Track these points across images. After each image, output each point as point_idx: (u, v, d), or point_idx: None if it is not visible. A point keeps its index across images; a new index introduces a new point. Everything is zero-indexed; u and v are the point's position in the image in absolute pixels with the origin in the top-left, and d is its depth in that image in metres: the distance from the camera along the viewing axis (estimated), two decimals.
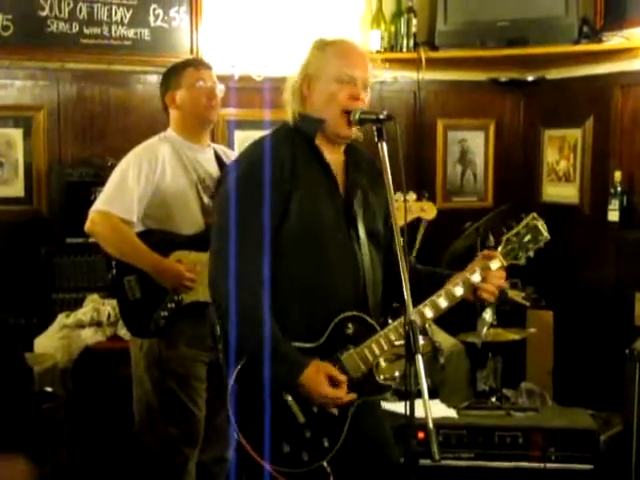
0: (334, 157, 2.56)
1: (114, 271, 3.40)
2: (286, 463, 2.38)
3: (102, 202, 3.38)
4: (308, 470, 2.41)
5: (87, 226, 3.38)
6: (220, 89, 3.56)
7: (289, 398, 2.40)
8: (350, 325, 2.47)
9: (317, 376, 2.37)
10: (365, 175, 2.62)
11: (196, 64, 3.59)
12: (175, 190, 3.42)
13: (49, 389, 3.60)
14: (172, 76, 3.54)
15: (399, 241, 2.27)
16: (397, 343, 2.42)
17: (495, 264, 2.50)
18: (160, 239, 3.38)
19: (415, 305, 2.35)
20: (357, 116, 2.46)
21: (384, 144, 2.36)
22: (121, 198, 3.35)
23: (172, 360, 3.38)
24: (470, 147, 5.33)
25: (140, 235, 3.38)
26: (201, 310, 3.37)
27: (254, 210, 2.40)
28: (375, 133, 2.39)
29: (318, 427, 2.43)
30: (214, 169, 3.55)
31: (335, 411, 2.43)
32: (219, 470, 3.58)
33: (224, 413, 2.52)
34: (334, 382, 2.40)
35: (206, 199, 3.46)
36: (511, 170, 5.38)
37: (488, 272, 2.48)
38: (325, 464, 2.42)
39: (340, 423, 2.45)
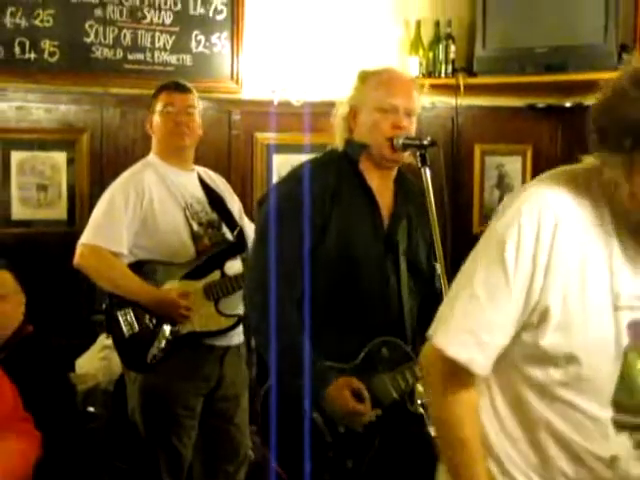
0: (382, 183, 2.59)
1: (107, 305, 3.35)
2: None
3: (90, 235, 3.32)
4: None
5: (76, 260, 3.31)
6: (192, 112, 3.46)
7: (317, 416, 2.40)
8: (385, 350, 2.48)
9: (341, 389, 2.38)
10: (414, 205, 2.65)
11: (170, 88, 3.54)
12: (164, 218, 3.40)
13: (92, 409, 3.62)
14: (152, 100, 3.53)
15: (442, 270, 2.32)
16: None
17: None
18: (152, 269, 3.36)
19: None
20: (400, 142, 2.50)
21: (427, 170, 2.42)
22: (110, 230, 3.31)
23: (165, 395, 3.32)
24: (508, 172, 5.31)
25: (131, 266, 3.34)
26: (197, 340, 3.34)
27: (291, 232, 2.45)
28: (418, 159, 2.44)
29: (343, 448, 2.43)
30: (200, 193, 3.55)
31: (360, 429, 2.42)
32: None
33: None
34: (359, 398, 2.39)
35: (195, 225, 3.47)
36: None
37: None
38: None
39: (366, 447, 2.45)
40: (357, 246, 2.51)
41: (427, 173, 2.42)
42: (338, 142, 2.66)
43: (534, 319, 1.62)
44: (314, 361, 2.38)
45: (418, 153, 2.44)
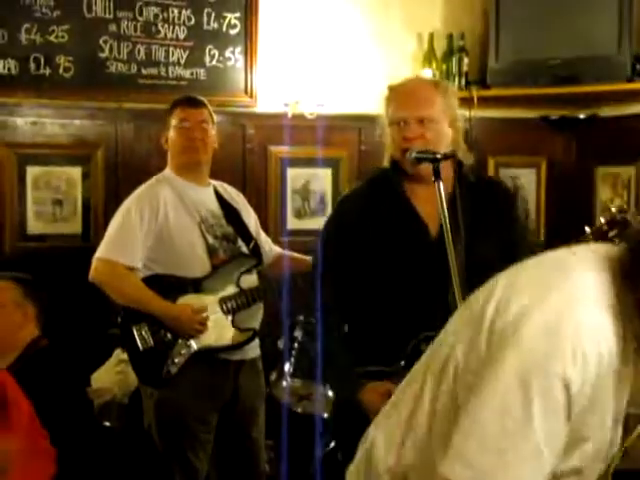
0: (430, 195, 2.55)
1: (121, 320, 3.35)
2: None
3: (105, 249, 3.33)
4: None
5: (91, 275, 3.33)
6: (206, 127, 3.50)
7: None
8: (425, 347, 2.48)
9: (374, 393, 2.49)
10: (482, 213, 2.69)
11: (183, 104, 3.56)
12: (179, 232, 3.41)
13: (107, 423, 3.61)
14: (166, 116, 3.54)
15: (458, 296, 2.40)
16: None
17: None
18: (167, 284, 3.37)
19: None
20: (413, 155, 2.54)
21: (441, 184, 2.43)
22: (124, 244, 3.33)
23: (181, 410, 3.31)
24: (523, 184, 5.28)
25: (146, 281, 3.35)
26: (212, 356, 3.33)
27: (333, 255, 2.66)
28: (432, 172, 2.47)
29: None
30: (215, 207, 3.57)
31: None
32: None
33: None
34: None
35: (211, 239, 3.47)
36: (564, 207, 5.32)
37: None
38: None
39: None
40: (401, 268, 2.61)
41: (441, 188, 2.42)
42: (385, 159, 2.76)
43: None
44: (345, 368, 2.57)
45: (432, 166, 2.46)
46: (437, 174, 2.46)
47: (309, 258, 3.47)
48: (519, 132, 5.28)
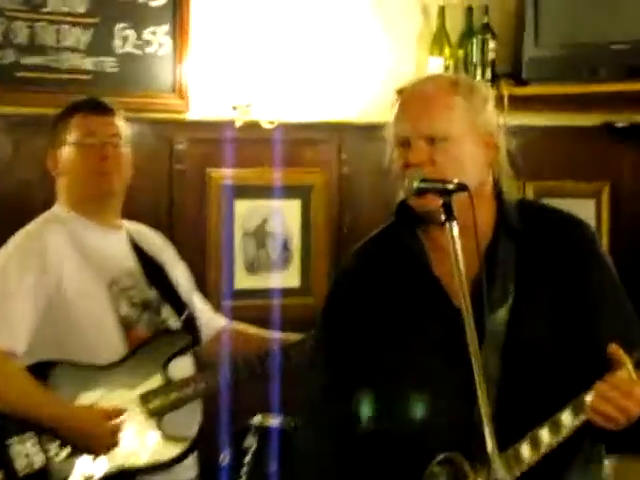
0: (462, 245, 2.53)
1: None
2: None
3: None
4: None
5: None
6: (118, 143, 3.52)
7: None
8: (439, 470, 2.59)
9: None
10: (539, 273, 2.70)
11: (86, 109, 3.57)
12: (79, 298, 3.41)
13: None
14: (58, 127, 3.54)
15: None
16: None
17: (623, 374, 2.47)
18: (62, 375, 3.33)
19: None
20: (414, 185, 2.54)
21: (455, 226, 2.43)
22: None
23: None
24: None
25: (32, 371, 3.30)
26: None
27: (326, 347, 2.83)
28: (441, 209, 2.46)
29: None
30: (131, 261, 3.60)
31: None
32: None
33: None
34: None
35: (125, 308, 3.51)
36: (636, 253, 5.33)
37: (609, 385, 2.46)
38: None
39: None
40: (414, 355, 2.68)
41: (454, 230, 2.44)
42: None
43: None
44: None
45: (441, 202, 2.48)
46: (449, 212, 2.47)
47: (275, 335, 3.63)
48: (570, 146, 5.29)
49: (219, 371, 3.66)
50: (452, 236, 2.43)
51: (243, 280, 4.98)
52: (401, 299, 2.72)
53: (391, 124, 2.70)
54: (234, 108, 4.81)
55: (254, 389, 3.90)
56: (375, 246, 2.84)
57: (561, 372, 2.62)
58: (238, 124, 4.81)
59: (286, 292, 4.96)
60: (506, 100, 4.88)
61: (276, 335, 3.92)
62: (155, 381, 3.51)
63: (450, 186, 2.49)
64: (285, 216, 5.03)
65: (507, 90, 4.96)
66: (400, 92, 2.74)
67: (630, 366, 2.45)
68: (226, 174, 4.92)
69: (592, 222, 5.27)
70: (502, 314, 2.63)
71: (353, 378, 2.73)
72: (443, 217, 2.46)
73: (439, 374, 2.64)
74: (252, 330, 3.93)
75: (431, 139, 2.62)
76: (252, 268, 5.00)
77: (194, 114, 4.89)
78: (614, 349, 2.43)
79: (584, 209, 5.22)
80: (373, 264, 2.80)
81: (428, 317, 2.69)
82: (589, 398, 2.45)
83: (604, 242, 5.36)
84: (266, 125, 4.81)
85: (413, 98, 2.70)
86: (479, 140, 2.67)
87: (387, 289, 2.75)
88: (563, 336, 2.63)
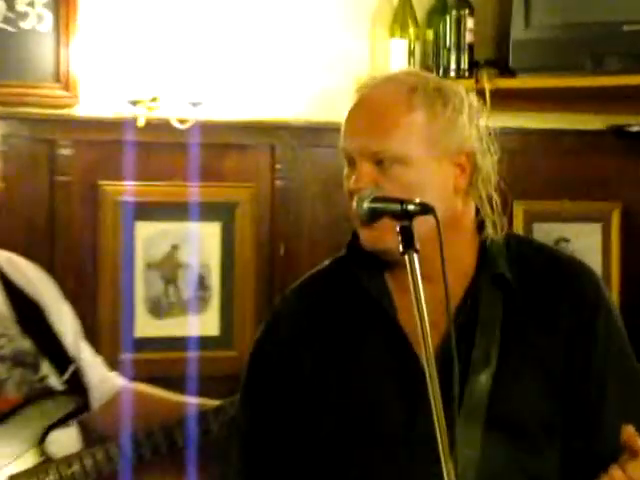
0: (432, 291, 2.52)
1: None
2: None
3: None
4: None
5: None
6: None
7: None
8: None
9: None
10: (526, 325, 2.71)
11: None
12: None
13: None
14: None
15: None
16: None
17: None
18: None
19: None
20: (364, 206, 2.53)
21: (415, 256, 2.39)
22: None
23: None
24: (575, 253, 5.24)
25: None
26: None
27: (247, 429, 2.86)
28: (399, 237, 2.43)
29: None
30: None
31: None
32: None
33: None
34: None
35: None
36: None
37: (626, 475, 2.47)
38: None
39: None
40: (371, 421, 2.71)
41: (416, 263, 2.41)
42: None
43: None
44: None
45: (397, 227, 2.46)
46: (408, 241, 2.43)
47: (188, 400, 3.64)
48: (569, 155, 5.37)
49: (114, 447, 3.68)
50: (412, 270, 2.41)
51: (146, 326, 4.95)
52: (354, 355, 2.74)
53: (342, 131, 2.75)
54: (135, 103, 4.78)
55: (160, 470, 3.89)
56: (320, 285, 2.87)
57: (555, 458, 2.71)
58: (141, 123, 4.77)
59: (202, 342, 4.93)
60: (488, 96, 4.75)
61: (189, 400, 3.93)
62: (29, 459, 3.54)
63: (411, 207, 2.47)
64: (201, 243, 5.03)
65: (489, 83, 4.93)
66: (357, 92, 2.77)
67: None
68: (125, 188, 4.89)
69: (598, 253, 5.44)
70: (483, 381, 2.67)
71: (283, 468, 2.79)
72: (401, 247, 2.44)
73: (404, 455, 2.68)
74: (158, 393, 3.94)
75: (382, 160, 2.64)
76: (158, 310, 4.97)
77: (83, 110, 4.87)
78: (631, 434, 2.45)
79: (588, 236, 5.45)
80: (317, 309, 2.82)
81: (389, 378, 2.71)
82: None
83: (613, 279, 5.44)
84: (177, 125, 4.78)
85: (361, 106, 2.73)
86: (448, 161, 2.67)
87: (336, 342, 2.77)
88: (558, 415, 2.69)
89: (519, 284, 2.74)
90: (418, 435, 2.61)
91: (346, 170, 2.68)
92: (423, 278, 2.46)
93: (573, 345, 2.69)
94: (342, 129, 2.71)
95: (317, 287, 2.86)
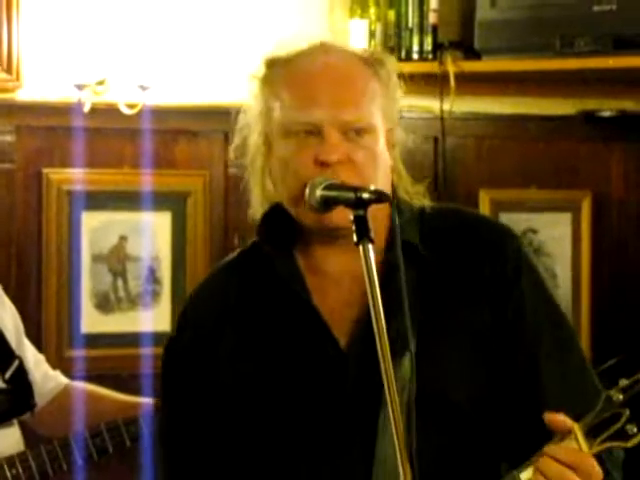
0: (348, 267, 2.60)
1: None
2: None
3: None
4: None
5: None
6: None
7: None
8: None
9: None
10: (443, 297, 2.70)
11: None
12: None
13: None
14: None
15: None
16: None
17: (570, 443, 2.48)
18: None
19: None
20: (317, 193, 2.50)
21: (369, 247, 2.38)
22: None
23: None
24: (544, 244, 5.38)
25: None
26: None
27: (178, 402, 2.80)
28: (353, 227, 2.43)
29: None
30: None
31: None
32: None
33: None
34: None
35: None
36: (623, 286, 5.39)
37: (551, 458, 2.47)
38: None
39: None
40: (288, 408, 2.68)
41: (369, 251, 2.39)
42: (253, 207, 2.77)
43: None
44: None
45: (351, 215, 2.44)
46: (363, 230, 2.41)
47: (138, 399, 3.67)
48: (538, 143, 5.38)
49: (59, 448, 3.67)
50: (367, 260, 2.40)
51: (94, 322, 4.91)
52: (271, 343, 2.73)
53: (269, 107, 2.65)
54: (81, 87, 4.76)
55: (108, 471, 3.99)
56: (230, 274, 2.84)
57: (491, 435, 2.71)
58: (87, 108, 4.77)
59: (154, 338, 4.84)
60: (452, 80, 4.91)
61: (140, 399, 3.93)
62: None
63: (365, 195, 2.46)
64: (151, 234, 5.01)
65: (453, 66, 4.95)
66: (281, 61, 2.68)
67: (580, 435, 2.50)
68: (71, 176, 4.88)
69: (568, 242, 5.47)
70: (404, 365, 2.64)
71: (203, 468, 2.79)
72: (355, 237, 2.43)
73: (326, 442, 2.69)
74: (106, 392, 3.93)
75: (353, 130, 2.60)
76: (106, 305, 4.94)
77: (27, 94, 4.86)
78: (553, 417, 2.47)
79: (557, 226, 5.47)
80: (229, 298, 2.79)
81: (309, 364, 2.71)
82: (525, 476, 2.50)
83: (584, 271, 5.47)
84: (126, 110, 4.78)
85: (324, 74, 2.65)
86: (386, 136, 2.67)
87: (251, 331, 2.76)
88: (492, 385, 2.68)
89: (435, 256, 2.73)
90: (340, 421, 2.64)
91: (292, 146, 2.58)
92: (345, 257, 2.57)
93: (500, 308, 2.66)
94: (287, 98, 2.61)
95: (228, 276, 2.82)
